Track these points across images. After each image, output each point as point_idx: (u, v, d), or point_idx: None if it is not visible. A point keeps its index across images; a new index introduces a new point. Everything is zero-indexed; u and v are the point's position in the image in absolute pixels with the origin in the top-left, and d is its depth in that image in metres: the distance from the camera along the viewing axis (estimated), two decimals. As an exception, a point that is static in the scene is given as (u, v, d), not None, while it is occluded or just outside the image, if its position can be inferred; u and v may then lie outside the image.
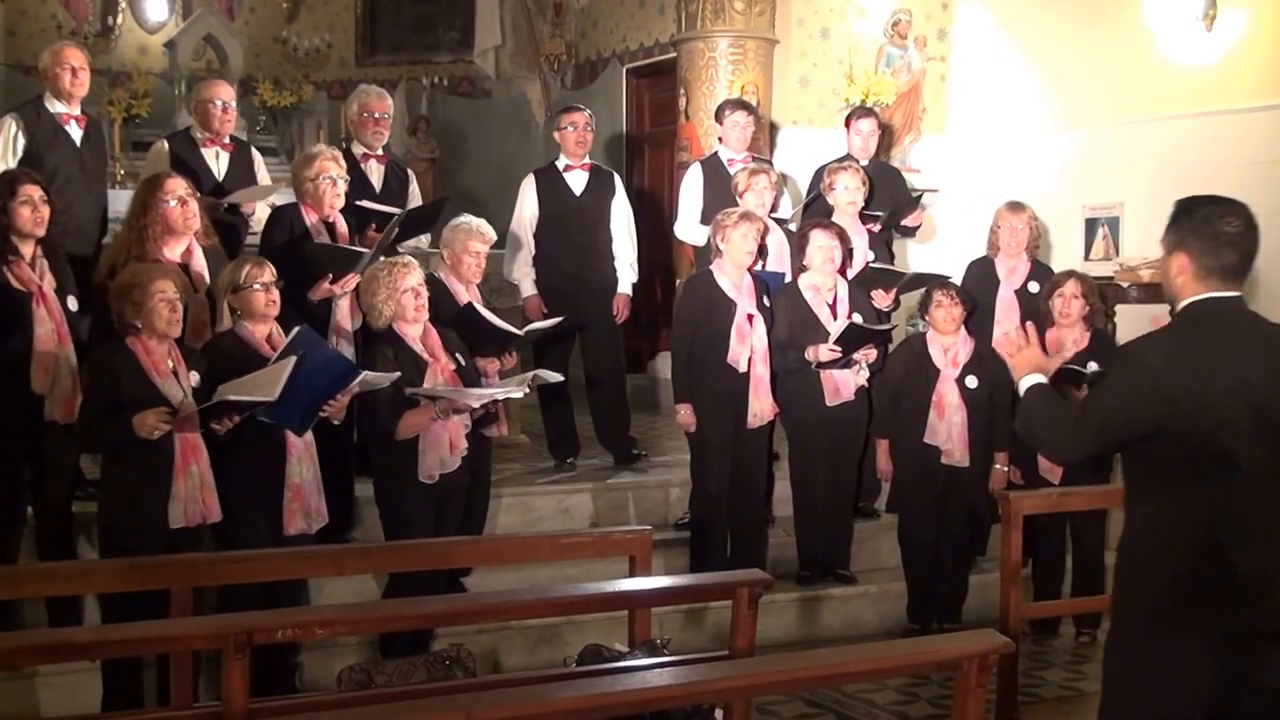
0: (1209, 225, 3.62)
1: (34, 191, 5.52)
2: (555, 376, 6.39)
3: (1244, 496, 3.57)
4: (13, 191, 5.49)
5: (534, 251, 7.64)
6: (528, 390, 6.07)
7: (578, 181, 7.70)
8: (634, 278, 7.83)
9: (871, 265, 7.29)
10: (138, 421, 4.95)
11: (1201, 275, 3.63)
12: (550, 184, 7.69)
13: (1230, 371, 3.56)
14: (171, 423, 5.01)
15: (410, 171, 7.64)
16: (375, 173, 7.25)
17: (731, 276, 6.70)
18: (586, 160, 7.78)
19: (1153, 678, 3.62)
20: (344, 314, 6.26)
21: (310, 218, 6.30)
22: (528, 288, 7.64)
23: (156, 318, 5.12)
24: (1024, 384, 3.88)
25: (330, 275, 6.14)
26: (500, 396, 5.84)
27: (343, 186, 6.37)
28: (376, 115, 7.23)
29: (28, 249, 5.54)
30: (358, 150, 7.23)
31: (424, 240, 7.44)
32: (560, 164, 7.75)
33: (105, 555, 5.19)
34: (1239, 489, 3.56)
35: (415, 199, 7.42)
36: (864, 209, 7.47)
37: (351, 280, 6.16)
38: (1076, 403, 3.75)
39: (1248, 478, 3.56)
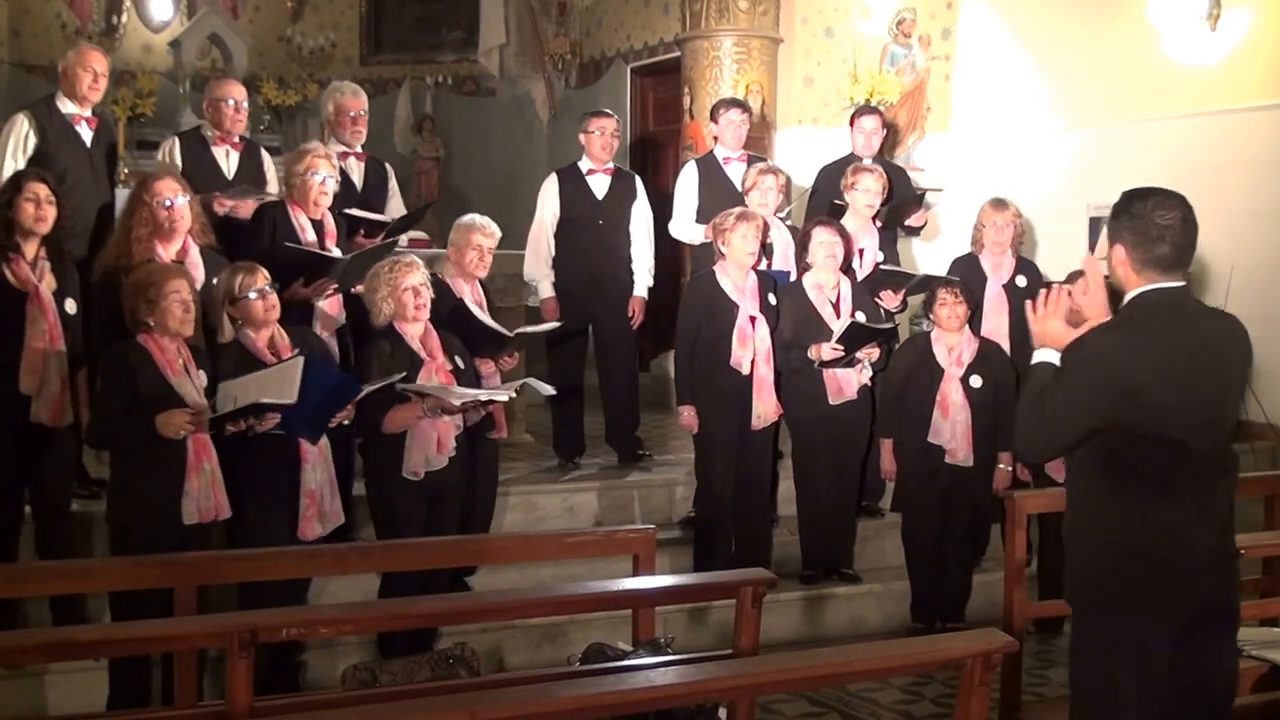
0: (1143, 218, 3.67)
1: (40, 189, 5.52)
2: (546, 388, 6.36)
3: (1191, 485, 3.65)
4: (19, 187, 5.50)
5: (554, 253, 7.62)
6: (513, 395, 6.00)
7: (600, 185, 7.67)
8: (650, 281, 7.80)
9: (881, 267, 7.28)
10: (163, 421, 4.97)
11: (1137, 267, 3.69)
12: (573, 186, 7.66)
13: (1179, 362, 3.62)
14: (196, 423, 5.03)
15: (389, 167, 7.57)
16: (355, 171, 7.21)
17: (734, 278, 6.69)
18: (610, 164, 7.76)
19: (1114, 660, 3.68)
20: (324, 316, 6.20)
21: (297, 215, 6.25)
22: (546, 289, 7.62)
23: (170, 317, 5.13)
24: (1036, 357, 3.87)
25: (302, 279, 6.07)
26: (484, 398, 5.80)
27: (331, 186, 6.32)
28: (353, 114, 7.17)
29: (30, 248, 5.54)
30: (336, 148, 7.11)
31: (403, 239, 7.40)
32: (583, 166, 7.71)
33: (117, 553, 5.19)
34: (1186, 477, 3.64)
35: (395, 195, 7.41)
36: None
37: (325, 285, 6.12)
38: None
39: (1195, 466, 3.64)
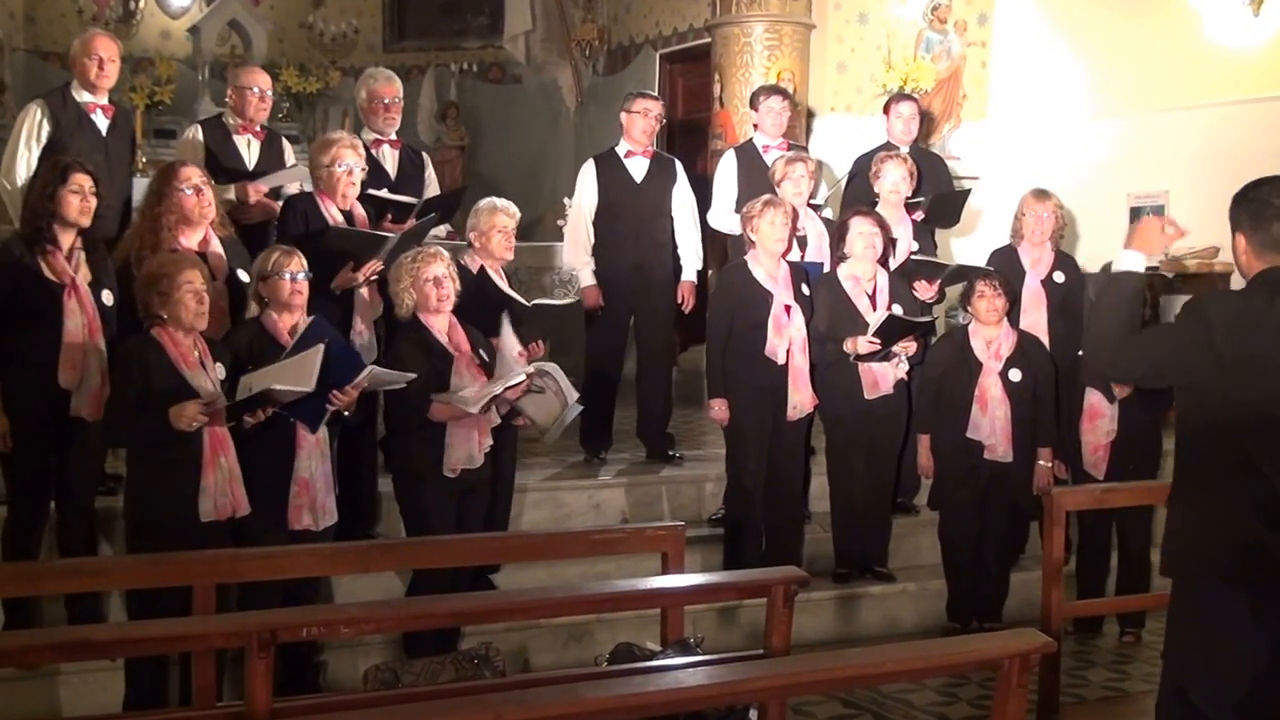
0: (1257, 202, 3.77)
1: (85, 181, 5.45)
2: (572, 395, 6.10)
3: None
4: (64, 178, 5.42)
5: (593, 240, 7.51)
6: (528, 373, 5.80)
7: (638, 168, 7.53)
8: (699, 265, 7.68)
9: (914, 257, 7.16)
10: (175, 413, 4.89)
11: (1257, 251, 3.77)
12: (610, 171, 7.54)
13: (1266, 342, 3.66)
14: (209, 414, 4.95)
15: (425, 156, 7.48)
16: (389, 159, 7.11)
17: (766, 266, 6.58)
18: (649, 147, 7.62)
19: (1213, 635, 3.69)
20: (364, 302, 6.14)
21: (327, 207, 6.18)
22: (586, 277, 7.50)
23: (183, 309, 5.05)
24: (1122, 261, 3.93)
25: (352, 263, 6.02)
26: (499, 390, 5.65)
27: (359, 175, 6.25)
28: (386, 101, 7.06)
29: (67, 239, 5.47)
30: (368, 136, 7.06)
31: (441, 231, 7.30)
32: (621, 150, 7.58)
33: (133, 551, 5.13)
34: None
35: (432, 184, 7.29)
36: (908, 198, 7.35)
37: (375, 266, 6.05)
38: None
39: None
